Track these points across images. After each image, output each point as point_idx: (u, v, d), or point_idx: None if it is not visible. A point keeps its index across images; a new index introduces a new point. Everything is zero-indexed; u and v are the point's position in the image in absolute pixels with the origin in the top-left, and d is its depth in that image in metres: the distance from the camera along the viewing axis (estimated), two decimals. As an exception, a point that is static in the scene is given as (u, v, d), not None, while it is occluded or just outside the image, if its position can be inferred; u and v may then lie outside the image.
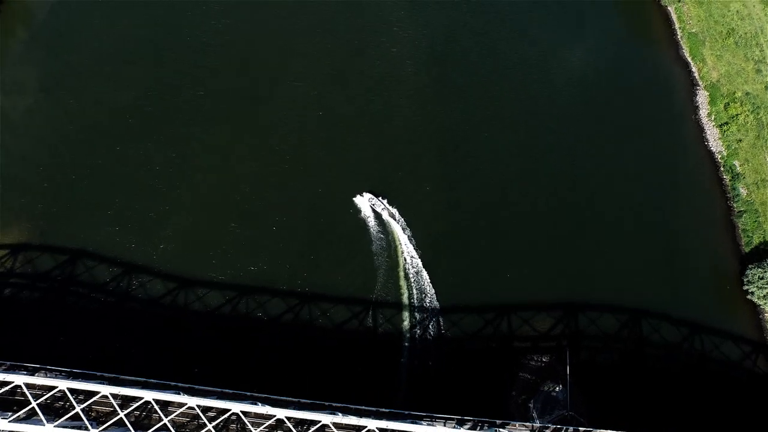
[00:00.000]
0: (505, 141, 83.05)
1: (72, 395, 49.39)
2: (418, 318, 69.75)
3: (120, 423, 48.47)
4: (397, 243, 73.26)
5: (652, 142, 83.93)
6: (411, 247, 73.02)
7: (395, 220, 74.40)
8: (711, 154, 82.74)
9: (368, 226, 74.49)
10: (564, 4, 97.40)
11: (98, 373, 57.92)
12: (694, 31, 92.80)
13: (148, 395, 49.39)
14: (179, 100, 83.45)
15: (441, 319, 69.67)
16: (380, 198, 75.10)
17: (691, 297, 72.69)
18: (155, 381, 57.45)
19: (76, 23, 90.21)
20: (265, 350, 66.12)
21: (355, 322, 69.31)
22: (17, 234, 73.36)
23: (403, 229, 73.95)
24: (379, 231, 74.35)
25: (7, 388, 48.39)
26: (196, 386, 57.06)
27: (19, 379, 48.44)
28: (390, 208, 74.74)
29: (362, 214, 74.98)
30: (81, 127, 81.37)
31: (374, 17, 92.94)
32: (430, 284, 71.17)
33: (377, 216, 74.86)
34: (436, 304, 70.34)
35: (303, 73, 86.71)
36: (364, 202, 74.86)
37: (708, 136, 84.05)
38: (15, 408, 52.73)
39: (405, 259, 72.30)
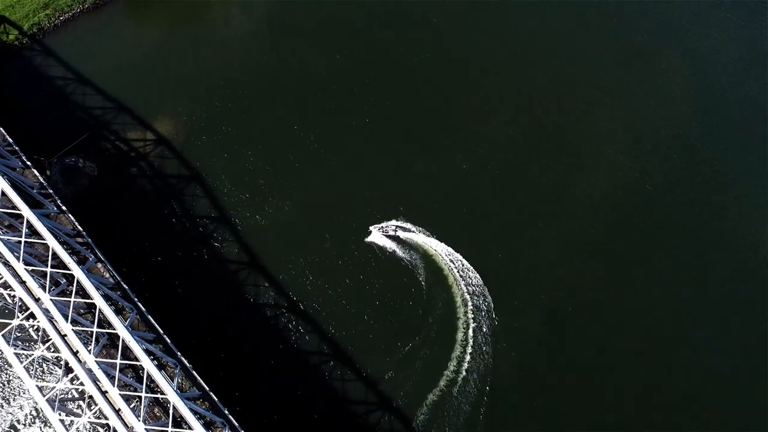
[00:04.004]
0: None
1: (99, 311, 52.75)
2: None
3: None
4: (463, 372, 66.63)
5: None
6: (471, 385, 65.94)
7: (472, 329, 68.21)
8: None
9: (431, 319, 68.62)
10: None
11: (135, 298, 60.06)
12: None
13: (147, 363, 50.09)
14: (382, 95, 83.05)
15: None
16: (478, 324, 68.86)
17: None
18: (168, 340, 58.14)
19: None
20: (269, 378, 64.26)
21: (363, 407, 64.94)
22: (168, 129, 78.38)
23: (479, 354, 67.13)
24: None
25: (67, 271, 53.91)
26: (193, 370, 56.94)
27: (76, 272, 52.62)
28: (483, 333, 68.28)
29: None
30: (278, 71, 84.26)
31: (591, 129, 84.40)
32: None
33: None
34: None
35: (495, 134, 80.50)
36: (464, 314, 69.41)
37: None
38: (66, 282, 57.23)
39: (456, 397, 65.23)
